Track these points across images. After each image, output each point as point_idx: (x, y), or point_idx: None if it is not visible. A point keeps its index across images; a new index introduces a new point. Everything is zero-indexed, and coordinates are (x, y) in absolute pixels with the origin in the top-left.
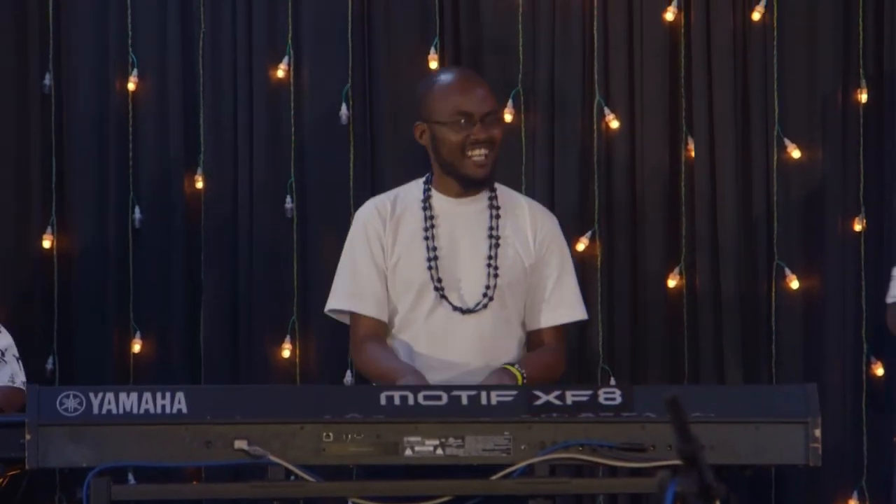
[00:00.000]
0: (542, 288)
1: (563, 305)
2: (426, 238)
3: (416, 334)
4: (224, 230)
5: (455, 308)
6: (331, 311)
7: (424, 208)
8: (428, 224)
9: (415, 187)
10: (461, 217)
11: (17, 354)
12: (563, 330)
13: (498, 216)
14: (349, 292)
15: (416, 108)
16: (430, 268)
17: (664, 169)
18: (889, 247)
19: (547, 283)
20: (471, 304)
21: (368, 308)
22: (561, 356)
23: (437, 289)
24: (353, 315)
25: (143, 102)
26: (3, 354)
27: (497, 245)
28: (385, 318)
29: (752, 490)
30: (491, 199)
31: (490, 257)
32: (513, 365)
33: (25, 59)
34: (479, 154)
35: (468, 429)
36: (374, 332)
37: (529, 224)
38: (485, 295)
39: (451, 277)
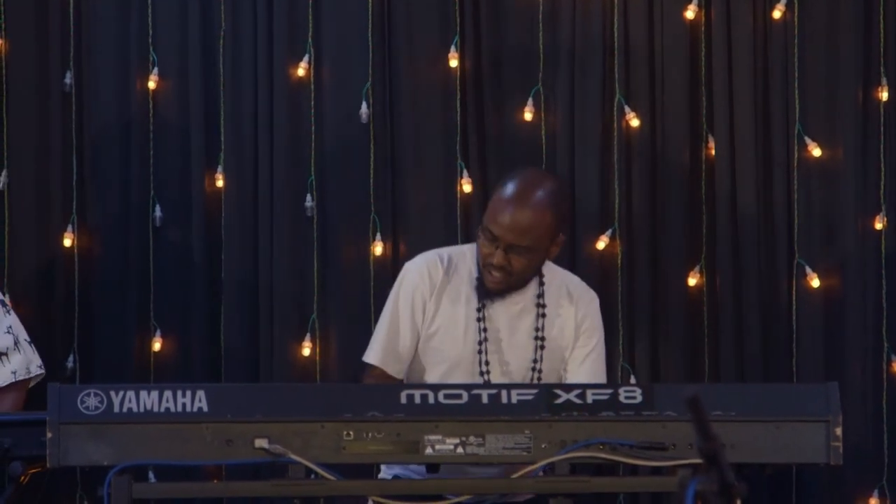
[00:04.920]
0: (576, 360)
1: (592, 379)
2: (479, 320)
3: None
4: (244, 229)
5: None
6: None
7: (478, 287)
8: (481, 304)
9: (469, 256)
10: (508, 306)
11: (27, 338)
12: None
13: (544, 315)
14: (383, 348)
15: None
16: (479, 352)
17: (685, 167)
18: None
19: (579, 355)
20: None
21: (393, 368)
22: None
23: (482, 373)
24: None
25: (163, 101)
26: (16, 342)
27: (542, 347)
28: (402, 378)
29: (773, 489)
30: (538, 296)
31: (536, 360)
32: None
33: (46, 58)
34: (495, 274)
35: (489, 427)
36: (387, 380)
37: (573, 314)
38: None
39: (494, 365)
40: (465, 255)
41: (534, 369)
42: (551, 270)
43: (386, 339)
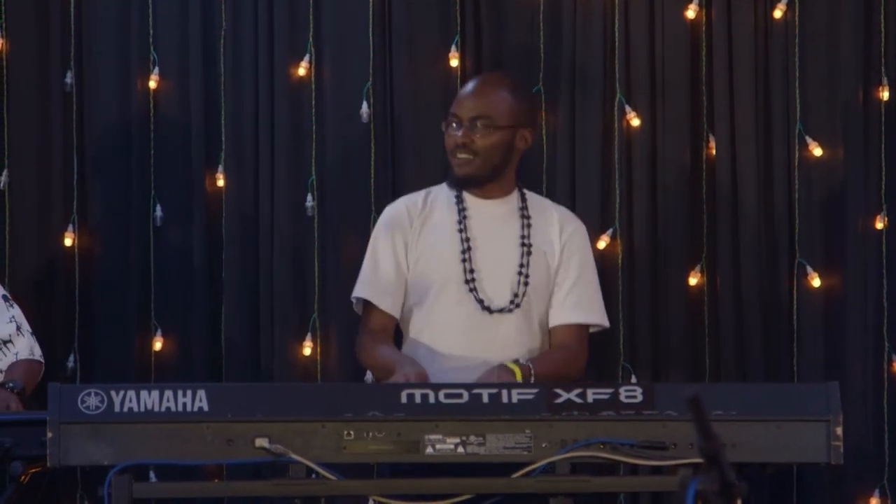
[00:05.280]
0: (561, 287)
1: (580, 307)
2: (460, 230)
3: (436, 332)
4: (245, 228)
5: (482, 306)
6: (354, 297)
7: (458, 202)
8: (461, 217)
9: (446, 186)
10: (489, 218)
11: (30, 330)
12: (583, 331)
13: (529, 225)
14: (369, 282)
15: None
16: (463, 260)
17: (685, 167)
18: None
19: (565, 283)
20: (498, 305)
21: (383, 301)
22: (577, 356)
23: (468, 281)
24: (367, 305)
25: (164, 101)
26: (19, 328)
27: (529, 253)
28: (397, 316)
29: (774, 488)
30: (522, 208)
31: (522, 265)
32: (515, 361)
33: (47, 58)
34: (459, 156)
35: (489, 427)
36: (383, 326)
37: (557, 230)
38: (512, 302)
39: (482, 273)
40: (442, 187)
41: (520, 273)
42: (535, 196)
43: (370, 273)
